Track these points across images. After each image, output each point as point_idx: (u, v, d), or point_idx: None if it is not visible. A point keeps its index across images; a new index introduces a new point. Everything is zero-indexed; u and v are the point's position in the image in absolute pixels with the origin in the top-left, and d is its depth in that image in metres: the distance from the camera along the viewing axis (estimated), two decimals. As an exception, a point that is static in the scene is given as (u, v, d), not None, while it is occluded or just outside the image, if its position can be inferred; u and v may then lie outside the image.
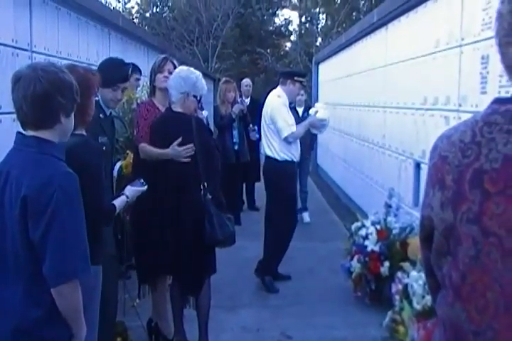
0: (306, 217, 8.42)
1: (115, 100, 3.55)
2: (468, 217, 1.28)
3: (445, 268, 1.36)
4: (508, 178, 1.24)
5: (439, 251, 1.38)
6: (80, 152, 2.61)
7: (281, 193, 5.49)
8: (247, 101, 8.71)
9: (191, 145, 3.75)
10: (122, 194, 3.14)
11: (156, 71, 4.25)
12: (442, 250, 1.36)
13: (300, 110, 8.61)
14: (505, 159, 1.25)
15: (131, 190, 3.18)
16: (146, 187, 3.27)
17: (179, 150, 3.77)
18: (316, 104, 5.67)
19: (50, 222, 2.00)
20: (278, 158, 5.46)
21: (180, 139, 3.74)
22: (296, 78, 5.51)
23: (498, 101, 1.34)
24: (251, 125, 8.29)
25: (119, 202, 3.00)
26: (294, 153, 5.51)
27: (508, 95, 1.36)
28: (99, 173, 2.77)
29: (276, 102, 5.49)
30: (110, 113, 3.62)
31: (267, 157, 5.61)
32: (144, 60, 8.32)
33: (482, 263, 1.27)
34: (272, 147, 5.49)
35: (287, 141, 5.40)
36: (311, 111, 5.66)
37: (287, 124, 5.39)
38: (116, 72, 3.56)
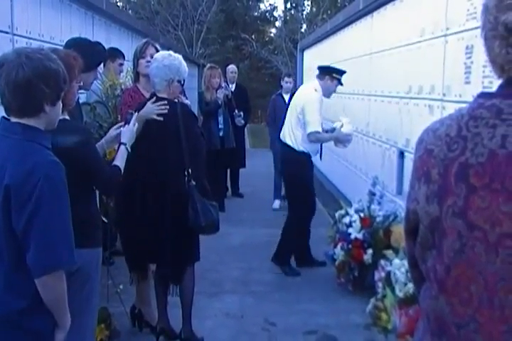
0: (290, 204, 8.42)
1: (88, 83, 3.52)
2: (453, 211, 1.29)
3: (429, 262, 1.37)
4: (493, 172, 1.24)
5: (424, 244, 1.38)
6: (69, 137, 2.61)
7: (299, 181, 5.51)
8: (233, 87, 8.68)
9: (164, 101, 3.72)
10: (120, 144, 3.18)
11: (138, 56, 4.22)
12: (427, 243, 1.37)
13: (286, 97, 8.61)
14: (490, 153, 1.25)
15: (126, 133, 3.22)
16: (136, 114, 3.39)
17: (151, 106, 3.71)
18: (341, 118, 5.62)
19: (33, 212, 1.96)
20: (296, 148, 5.49)
21: (154, 98, 3.70)
22: (334, 75, 5.49)
23: (484, 95, 1.34)
24: (236, 111, 8.28)
25: (120, 158, 3.08)
26: (311, 149, 5.56)
27: (492, 88, 1.37)
28: (94, 150, 2.79)
29: (313, 96, 5.45)
30: (78, 99, 3.56)
31: (286, 145, 5.61)
32: (127, 45, 8.25)
33: (466, 257, 1.28)
34: (292, 137, 5.51)
35: (309, 137, 5.41)
36: (336, 124, 5.60)
37: (317, 121, 5.38)
38: (95, 56, 3.50)
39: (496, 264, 1.24)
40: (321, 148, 8.68)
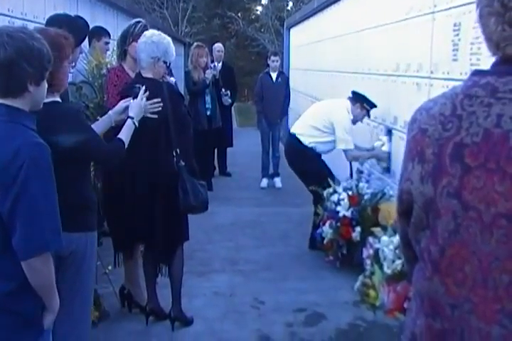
0: (277, 182, 8.45)
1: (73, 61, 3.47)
2: (448, 191, 1.27)
3: (423, 242, 1.36)
4: (488, 152, 1.23)
5: (418, 225, 1.37)
6: (60, 120, 2.59)
7: (309, 172, 5.52)
8: (219, 66, 8.62)
9: (158, 99, 3.67)
10: (127, 117, 3.17)
11: (133, 37, 4.10)
12: (421, 224, 1.36)
13: (274, 75, 8.58)
14: (485, 133, 1.24)
15: (134, 107, 3.23)
16: (143, 88, 3.43)
17: (145, 104, 3.65)
18: (380, 137, 5.60)
19: (19, 194, 1.93)
20: (306, 143, 5.51)
21: (147, 93, 3.65)
22: (365, 105, 5.48)
23: (478, 72, 1.32)
24: (223, 89, 8.23)
25: (125, 132, 3.10)
26: (322, 150, 5.59)
27: (480, 66, 1.35)
28: (88, 130, 2.77)
29: (346, 115, 5.47)
30: None
31: (294, 137, 5.62)
32: (113, 23, 8.15)
33: (461, 237, 1.27)
34: (307, 134, 5.53)
35: (347, 155, 5.48)
36: (377, 144, 5.55)
37: (350, 140, 5.43)
38: (78, 32, 3.42)
39: (491, 244, 1.23)
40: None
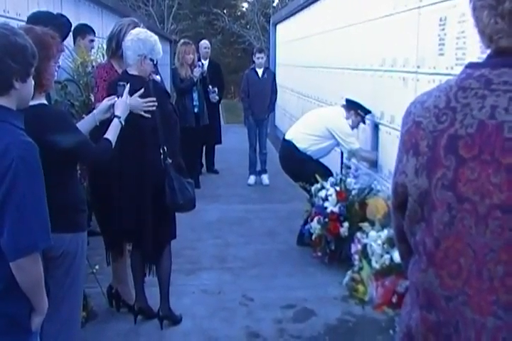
0: (265, 179, 8.44)
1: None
2: (443, 183, 1.28)
3: (418, 235, 1.36)
4: (482, 144, 1.23)
5: (413, 217, 1.37)
6: (49, 123, 2.57)
7: (307, 174, 5.45)
8: (206, 63, 8.59)
9: (153, 98, 3.65)
10: (113, 117, 3.14)
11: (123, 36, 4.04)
12: (416, 216, 1.36)
13: (260, 71, 8.57)
14: (480, 124, 1.24)
15: (119, 105, 3.19)
16: (128, 86, 3.37)
17: (140, 102, 3.62)
18: None
19: (8, 193, 1.90)
20: (301, 149, 5.53)
21: (142, 90, 3.63)
22: (359, 112, 5.48)
23: (472, 65, 1.33)
24: (210, 86, 8.21)
25: (112, 132, 3.05)
26: (320, 155, 5.61)
27: (465, 60, 1.35)
28: (76, 134, 2.74)
29: (343, 121, 5.48)
30: None
31: (291, 144, 5.62)
32: (98, 21, 8.10)
33: (456, 229, 1.27)
34: (303, 141, 5.55)
35: (357, 154, 5.47)
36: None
37: (353, 139, 5.44)
38: (60, 29, 3.38)
39: (486, 236, 1.23)
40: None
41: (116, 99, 3.31)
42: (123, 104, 3.28)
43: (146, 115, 3.61)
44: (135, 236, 3.83)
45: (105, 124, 3.20)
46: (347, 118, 5.50)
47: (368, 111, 5.50)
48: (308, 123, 5.71)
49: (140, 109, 3.60)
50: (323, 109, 5.90)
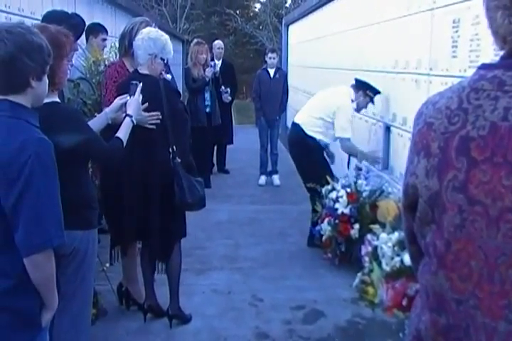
0: (276, 179, 8.44)
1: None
2: (454, 185, 1.26)
3: (429, 237, 1.35)
4: (495, 146, 1.21)
5: (423, 219, 1.36)
6: (61, 121, 2.58)
7: (309, 163, 5.48)
8: (219, 63, 8.60)
9: (157, 113, 3.67)
10: (126, 115, 3.14)
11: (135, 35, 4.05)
12: (426, 218, 1.34)
13: (271, 71, 8.56)
14: (492, 126, 1.22)
15: (131, 104, 3.20)
16: (140, 85, 3.37)
17: (145, 116, 3.65)
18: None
19: (23, 190, 1.93)
20: (308, 133, 5.52)
21: (146, 104, 3.64)
22: (368, 92, 5.46)
23: (485, 66, 1.31)
24: (223, 87, 8.22)
25: (123, 131, 3.05)
26: (323, 142, 5.58)
27: (479, 62, 1.33)
28: (87, 131, 2.75)
29: (348, 103, 5.47)
30: None
31: (298, 127, 5.61)
32: (111, 20, 8.13)
33: (467, 232, 1.26)
34: (310, 124, 5.53)
35: (342, 144, 5.46)
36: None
37: (349, 128, 5.42)
38: (74, 29, 3.38)
39: (497, 239, 1.22)
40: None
41: (128, 97, 3.32)
42: (135, 102, 3.29)
43: (150, 127, 3.65)
44: (144, 235, 3.84)
45: (117, 124, 3.21)
46: (356, 98, 5.47)
47: (377, 92, 5.47)
48: (316, 106, 5.68)
49: (144, 122, 3.62)
50: (332, 89, 5.81)
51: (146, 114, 3.62)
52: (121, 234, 3.92)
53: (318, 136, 5.51)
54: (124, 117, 3.22)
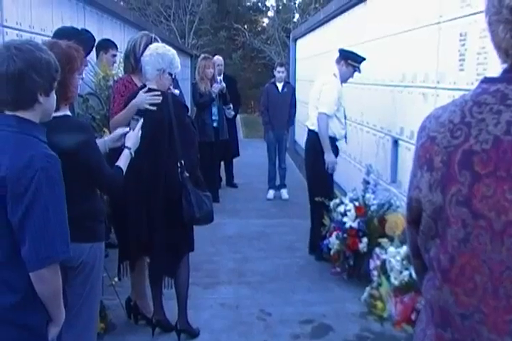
0: (284, 193, 8.43)
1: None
2: (457, 199, 1.26)
3: (433, 251, 1.34)
4: (498, 160, 1.21)
5: (427, 233, 1.35)
6: (72, 136, 2.60)
7: (319, 166, 5.48)
8: (220, 78, 8.61)
9: (158, 92, 3.71)
10: (124, 147, 3.15)
11: (143, 50, 4.09)
12: (430, 232, 1.34)
13: (280, 85, 8.58)
14: (495, 140, 1.22)
15: (131, 137, 3.20)
16: (141, 120, 3.38)
17: (144, 96, 3.68)
18: None
19: (30, 205, 1.94)
20: (315, 130, 5.53)
21: (146, 88, 3.69)
22: (350, 62, 5.44)
23: (488, 80, 1.31)
24: (224, 106, 8.26)
25: (123, 161, 3.05)
26: (337, 131, 5.58)
27: (497, 74, 1.33)
28: (96, 150, 2.77)
29: (331, 79, 5.46)
30: None
31: (310, 131, 5.64)
32: (120, 36, 8.19)
33: (471, 246, 1.25)
34: (314, 120, 5.55)
35: (318, 117, 5.43)
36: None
37: (331, 103, 5.41)
38: (84, 44, 3.41)
39: (502, 253, 1.21)
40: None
41: (127, 129, 3.32)
42: (135, 137, 3.28)
43: (152, 108, 3.68)
44: (151, 249, 3.85)
45: (116, 153, 3.22)
46: (339, 70, 5.44)
47: (361, 59, 5.43)
48: (313, 102, 5.70)
49: (145, 103, 3.67)
50: (318, 81, 5.80)
51: (145, 94, 3.71)
52: (128, 249, 3.93)
53: (332, 133, 5.51)
54: (123, 148, 3.21)
